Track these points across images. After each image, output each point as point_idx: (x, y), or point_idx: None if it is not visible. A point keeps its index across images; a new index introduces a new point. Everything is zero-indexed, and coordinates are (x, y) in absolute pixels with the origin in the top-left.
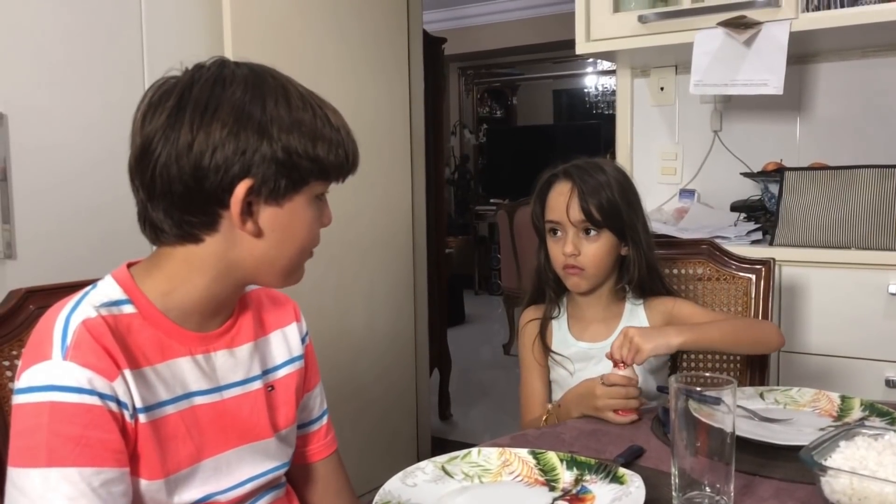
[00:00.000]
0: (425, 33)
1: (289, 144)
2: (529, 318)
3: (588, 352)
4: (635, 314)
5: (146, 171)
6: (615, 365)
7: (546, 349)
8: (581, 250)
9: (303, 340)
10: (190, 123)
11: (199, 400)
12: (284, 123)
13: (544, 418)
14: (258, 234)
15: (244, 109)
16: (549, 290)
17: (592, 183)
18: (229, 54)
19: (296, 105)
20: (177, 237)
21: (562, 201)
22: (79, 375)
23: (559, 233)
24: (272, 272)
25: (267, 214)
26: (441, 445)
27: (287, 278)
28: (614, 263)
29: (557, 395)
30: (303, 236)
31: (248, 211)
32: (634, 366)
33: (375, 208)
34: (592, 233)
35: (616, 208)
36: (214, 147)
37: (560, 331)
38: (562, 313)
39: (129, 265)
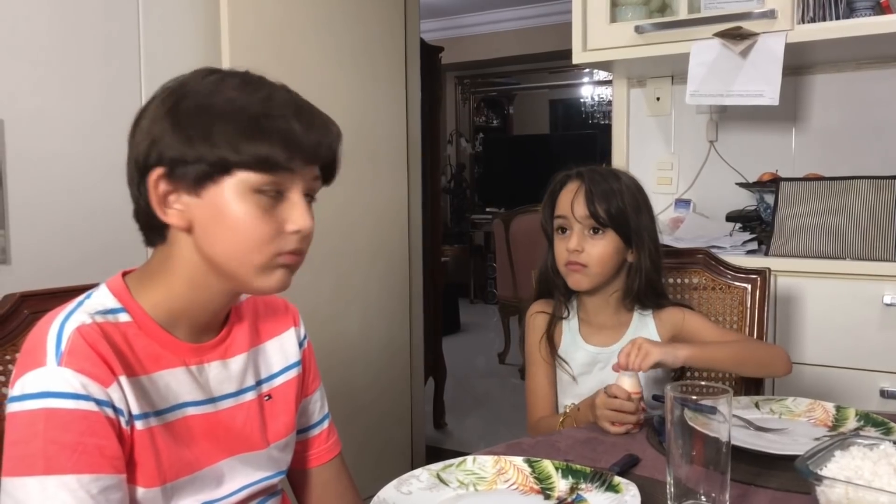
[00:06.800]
0: (422, 42)
1: (205, 131)
2: (537, 309)
3: (596, 356)
4: (644, 323)
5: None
6: (617, 370)
7: (553, 350)
8: (585, 248)
9: (300, 345)
10: (151, 118)
11: (191, 411)
12: (214, 111)
13: (561, 419)
14: (187, 227)
15: (182, 100)
16: (558, 292)
17: (601, 183)
18: (226, 63)
19: (247, 99)
20: (150, 231)
21: (569, 198)
22: (74, 381)
23: (567, 231)
24: (234, 274)
25: (186, 205)
26: (435, 454)
27: (255, 280)
28: (618, 267)
29: (561, 398)
30: (244, 233)
31: (165, 201)
32: (640, 376)
33: (372, 216)
34: (598, 232)
35: (622, 210)
36: (142, 137)
37: (570, 332)
38: (572, 315)
39: (124, 274)
